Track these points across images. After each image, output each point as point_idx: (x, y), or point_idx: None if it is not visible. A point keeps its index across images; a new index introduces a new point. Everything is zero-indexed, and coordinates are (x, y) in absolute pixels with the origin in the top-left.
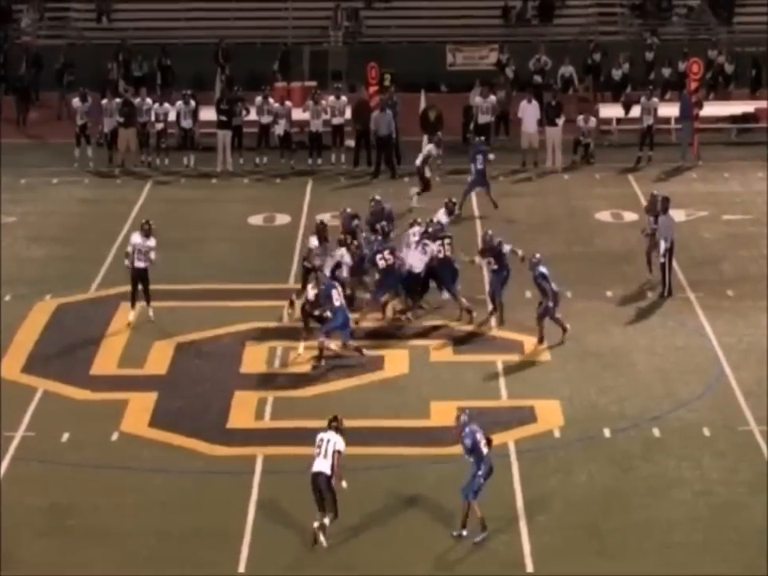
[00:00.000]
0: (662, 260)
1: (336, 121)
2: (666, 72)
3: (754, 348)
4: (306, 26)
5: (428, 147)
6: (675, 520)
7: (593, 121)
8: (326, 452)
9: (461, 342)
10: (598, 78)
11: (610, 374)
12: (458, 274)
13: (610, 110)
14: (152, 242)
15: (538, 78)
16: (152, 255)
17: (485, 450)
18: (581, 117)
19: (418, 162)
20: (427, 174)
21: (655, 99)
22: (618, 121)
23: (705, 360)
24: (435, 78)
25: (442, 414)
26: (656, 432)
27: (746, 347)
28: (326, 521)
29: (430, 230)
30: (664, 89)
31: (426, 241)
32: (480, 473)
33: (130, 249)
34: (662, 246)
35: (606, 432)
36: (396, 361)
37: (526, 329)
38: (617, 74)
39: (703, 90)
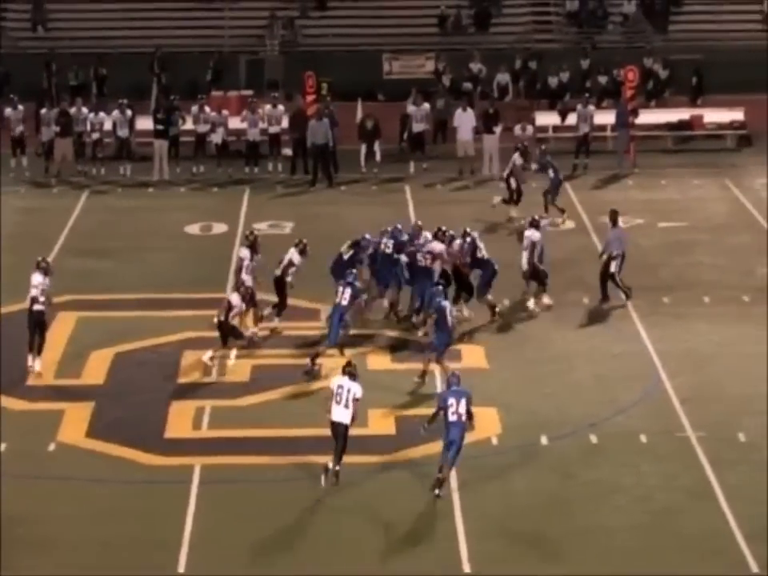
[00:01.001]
0: (612, 269)
1: (273, 129)
2: (602, 80)
3: (691, 354)
4: (243, 34)
5: (514, 157)
6: (615, 526)
7: (530, 129)
8: (347, 401)
9: (399, 349)
10: (534, 86)
11: (549, 381)
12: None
13: (547, 118)
14: (48, 281)
15: (468, 86)
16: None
17: (452, 417)
18: (518, 125)
19: (505, 173)
20: (512, 184)
21: (591, 107)
22: (555, 129)
23: (642, 366)
24: (372, 86)
25: (380, 422)
26: (595, 438)
27: (682, 353)
28: (338, 468)
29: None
30: (600, 97)
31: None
32: (447, 440)
33: (34, 291)
34: (613, 261)
35: (544, 439)
36: (334, 368)
37: (462, 338)
38: (553, 81)
39: (641, 97)
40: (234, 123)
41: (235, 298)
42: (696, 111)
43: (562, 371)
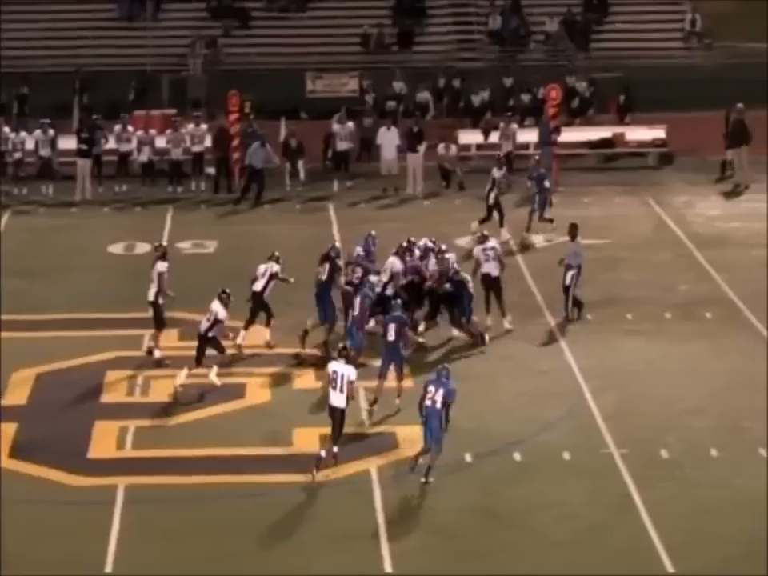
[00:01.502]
0: (567, 284)
1: (196, 148)
2: (525, 98)
3: (614, 371)
4: (165, 53)
5: (493, 171)
6: (540, 544)
7: (453, 148)
8: (342, 385)
9: (323, 368)
10: (458, 105)
11: (473, 398)
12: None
13: (470, 136)
14: None
15: (392, 104)
16: None
17: (427, 402)
18: (442, 144)
19: (486, 189)
20: (491, 200)
21: (514, 125)
22: (478, 147)
23: (566, 383)
24: (295, 104)
25: (306, 440)
26: (519, 456)
27: (606, 370)
28: (335, 449)
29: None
30: (523, 115)
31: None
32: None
33: None
34: (569, 273)
35: (469, 457)
36: (258, 388)
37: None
38: (476, 100)
39: (564, 115)
40: (159, 142)
41: (220, 309)
42: (618, 129)
43: (487, 389)
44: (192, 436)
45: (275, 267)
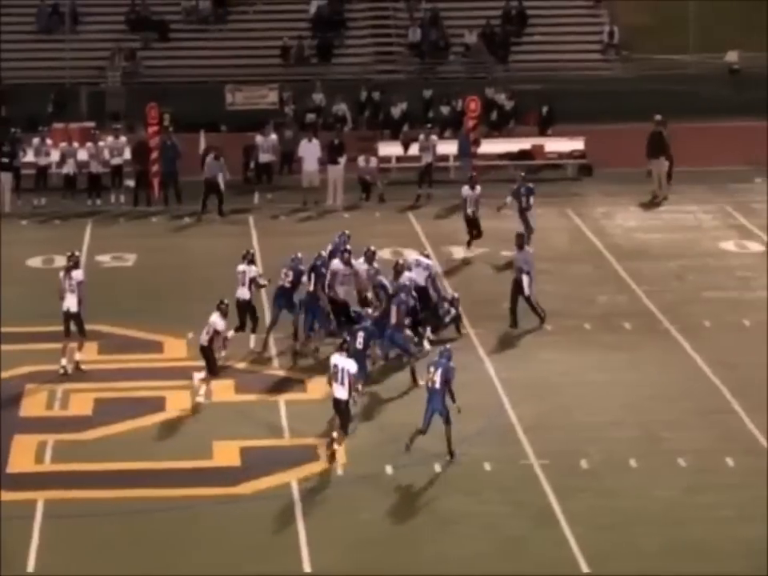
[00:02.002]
0: (527, 293)
1: (115, 161)
2: (445, 110)
3: (534, 383)
4: (84, 66)
5: (463, 190)
6: (461, 556)
7: (374, 160)
8: (343, 379)
9: (243, 380)
10: (377, 117)
11: (394, 410)
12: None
13: (390, 149)
14: None
15: (312, 116)
16: None
17: (428, 384)
18: (362, 156)
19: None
20: (470, 215)
21: (434, 137)
22: (398, 159)
23: (486, 395)
24: (215, 117)
25: (225, 453)
26: (439, 467)
27: (525, 382)
28: (335, 434)
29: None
30: (443, 127)
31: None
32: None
33: None
34: (525, 280)
35: (389, 469)
36: (177, 401)
37: (308, 365)
38: (396, 112)
39: (483, 127)
40: (80, 155)
41: (219, 320)
42: (537, 141)
43: (407, 401)
44: (112, 450)
45: (252, 271)
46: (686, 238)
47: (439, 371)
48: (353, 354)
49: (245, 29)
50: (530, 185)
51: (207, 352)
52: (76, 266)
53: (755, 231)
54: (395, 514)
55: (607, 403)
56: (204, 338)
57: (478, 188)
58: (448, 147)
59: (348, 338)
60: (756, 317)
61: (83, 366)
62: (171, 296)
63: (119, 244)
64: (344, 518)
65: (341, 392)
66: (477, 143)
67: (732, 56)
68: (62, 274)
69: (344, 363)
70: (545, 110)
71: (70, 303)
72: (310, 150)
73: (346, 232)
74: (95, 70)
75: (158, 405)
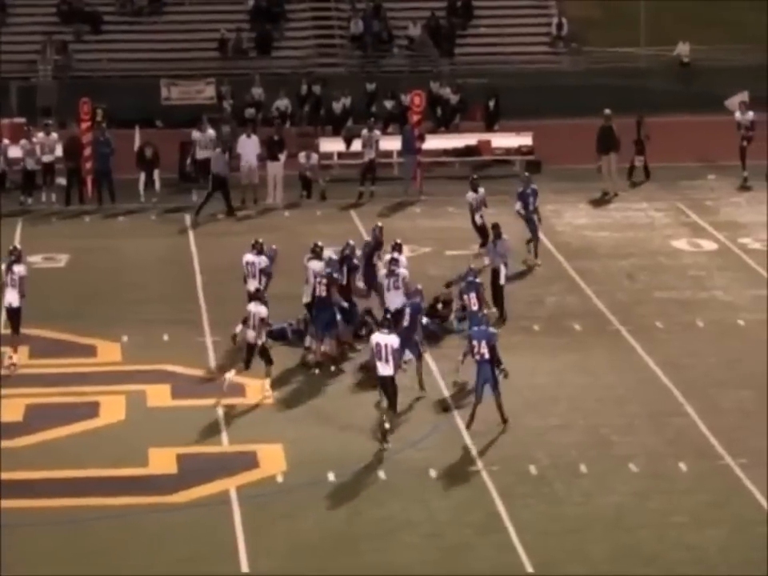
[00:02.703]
0: (502, 282)
1: (46, 158)
2: (388, 104)
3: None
4: (14, 59)
5: (468, 195)
6: (405, 563)
7: (315, 157)
8: (387, 356)
9: (180, 385)
10: (318, 112)
11: (336, 415)
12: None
13: (331, 145)
14: None
15: (251, 111)
16: None
17: (477, 357)
18: (302, 153)
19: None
20: (478, 221)
21: (377, 132)
22: (340, 155)
23: (431, 399)
24: (150, 113)
25: (161, 461)
26: (383, 474)
27: (472, 385)
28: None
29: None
30: (386, 122)
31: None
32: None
33: None
34: (502, 270)
35: (332, 476)
36: (112, 407)
37: (249, 372)
38: (337, 107)
39: (428, 122)
40: (13, 152)
41: (261, 308)
42: (484, 137)
43: (349, 405)
44: (43, 458)
45: (263, 261)
46: (638, 237)
47: (484, 342)
48: (402, 330)
49: (181, 21)
50: (535, 186)
51: (254, 349)
52: (18, 260)
53: (708, 229)
54: (337, 522)
55: (556, 407)
56: (252, 335)
57: (481, 190)
58: (391, 143)
59: (389, 315)
60: (709, 317)
61: (10, 371)
62: (105, 298)
63: (51, 244)
64: (284, 526)
65: (386, 369)
66: (421, 139)
67: (682, 49)
68: (3, 267)
69: (387, 340)
70: (491, 104)
71: (12, 298)
72: (248, 146)
73: (379, 224)
74: (25, 64)
75: (91, 411)
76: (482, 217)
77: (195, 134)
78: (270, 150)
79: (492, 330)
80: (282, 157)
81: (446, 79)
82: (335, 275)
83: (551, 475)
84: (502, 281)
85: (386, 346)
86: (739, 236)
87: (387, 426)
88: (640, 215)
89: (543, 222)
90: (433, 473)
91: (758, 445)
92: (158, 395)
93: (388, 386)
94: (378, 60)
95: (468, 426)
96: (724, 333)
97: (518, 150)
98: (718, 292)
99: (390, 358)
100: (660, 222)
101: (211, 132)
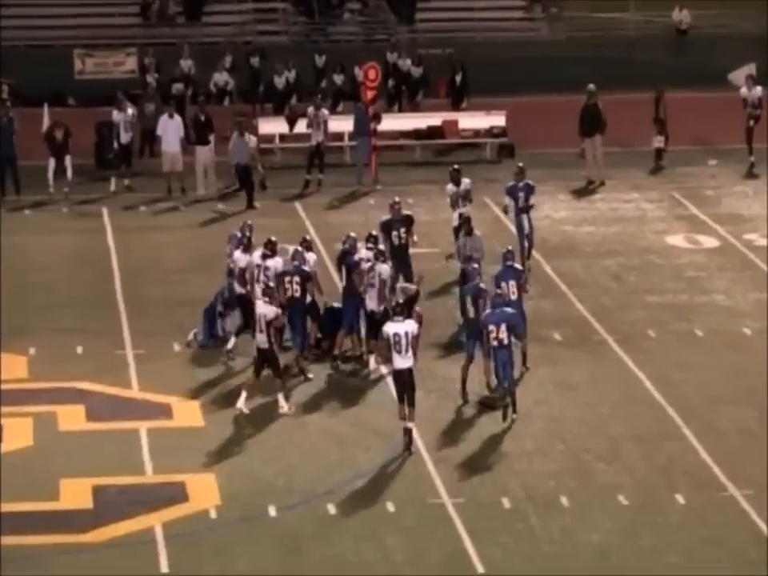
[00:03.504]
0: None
1: None
2: (338, 79)
3: (443, 405)
4: None
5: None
6: None
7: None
8: (407, 346)
9: (96, 406)
10: (257, 87)
11: (276, 440)
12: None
13: (272, 125)
14: None
15: (179, 87)
16: None
17: (493, 343)
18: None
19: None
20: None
21: (325, 111)
22: (282, 137)
23: (389, 420)
24: (61, 88)
25: (74, 494)
26: (332, 508)
27: (434, 404)
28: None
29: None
30: (335, 99)
31: None
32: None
33: None
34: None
35: (272, 510)
36: (17, 431)
37: (175, 387)
38: (279, 82)
39: (384, 99)
40: None
41: (268, 309)
42: (449, 116)
43: (292, 429)
44: None
45: (278, 265)
46: (626, 232)
47: (503, 326)
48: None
49: None
50: (530, 181)
51: (270, 354)
52: None
53: (708, 223)
54: (277, 563)
55: (531, 429)
56: (262, 339)
57: (466, 182)
58: (342, 124)
59: (401, 303)
60: (708, 324)
61: None
62: (8, 304)
63: None
64: (217, 568)
65: (405, 361)
66: (377, 119)
67: (680, 14)
68: None
69: (405, 328)
70: (458, 78)
71: None
72: (170, 128)
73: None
74: None
75: None
76: (460, 216)
77: (115, 115)
78: (199, 132)
79: (508, 309)
80: (212, 140)
81: (405, 49)
82: (305, 268)
83: (526, 508)
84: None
85: (405, 334)
86: (744, 231)
87: (410, 425)
88: (629, 207)
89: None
90: (390, 506)
91: (764, 473)
92: (71, 417)
93: (407, 381)
94: (327, 28)
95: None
96: (725, 343)
97: (489, 132)
98: (719, 296)
99: (410, 348)
100: (652, 215)
101: (130, 111)
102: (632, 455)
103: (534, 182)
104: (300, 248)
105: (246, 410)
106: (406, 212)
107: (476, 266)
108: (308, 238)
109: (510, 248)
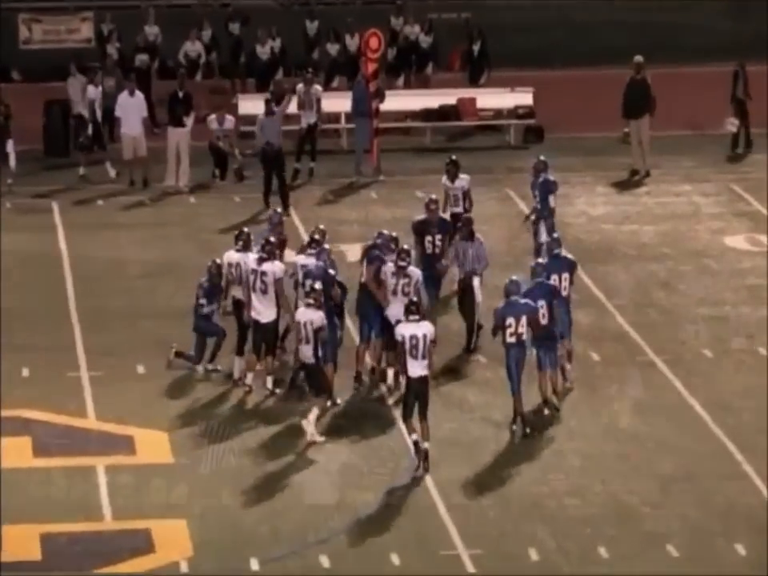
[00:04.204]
0: (479, 300)
1: None
2: (332, 49)
3: (457, 437)
4: None
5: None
6: None
7: (230, 120)
8: (423, 351)
9: (44, 439)
10: (237, 60)
11: (257, 478)
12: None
13: (254, 104)
14: None
15: (144, 58)
16: None
17: (510, 339)
18: (214, 116)
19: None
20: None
21: (318, 87)
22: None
23: (392, 455)
24: (4, 60)
25: (19, 543)
26: (326, 561)
27: (447, 435)
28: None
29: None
30: (330, 73)
31: None
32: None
33: None
34: (476, 282)
35: (255, 563)
36: None
37: (138, 416)
38: (263, 52)
39: (388, 74)
40: None
41: (317, 315)
42: (465, 93)
43: (278, 464)
44: None
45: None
46: (677, 231)
47: (523, 319)
48: None
49: None
50: (550, 177)
51: (317, 370)
52: None
53: None
54: None
55: (564, 466)
56: (308, 352)
57: (464, 177)
58: (338, 102)
59: (416, 300)
60: None
61: None
62: None
63: None
64: None
65: (421, 368)
66: (379, 96)
67: None
68: None
69: (423, 330)
70: (476, 48)
71: None
72: (130, 107)
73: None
74: None
75: None
76: (453, 216)
77: (92, 91)
78: (172, 112)
79: (528, 302)
80: (189, 121)
81: (411, 14)
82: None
83: (559, 561)
84: (478, 297)
85: (423, 337)
86: None
87: (426, 445)
88: (681, 202)
89: None
90: (395, 559)
91: None
92: (15, 452)
93: (420, 391)
94: None
95: (513, 424)
96: None
97: (513, 112)
98: None
99: (426, 353)
100: (708, 211)
101: (92, 89)
102: (684, 498)
103: (555, 177)
104: (325, 244)
105: (319, 439)
106: (442, 214)
107: (555, 234)
108: (322, 227)
109: (555, 235)
